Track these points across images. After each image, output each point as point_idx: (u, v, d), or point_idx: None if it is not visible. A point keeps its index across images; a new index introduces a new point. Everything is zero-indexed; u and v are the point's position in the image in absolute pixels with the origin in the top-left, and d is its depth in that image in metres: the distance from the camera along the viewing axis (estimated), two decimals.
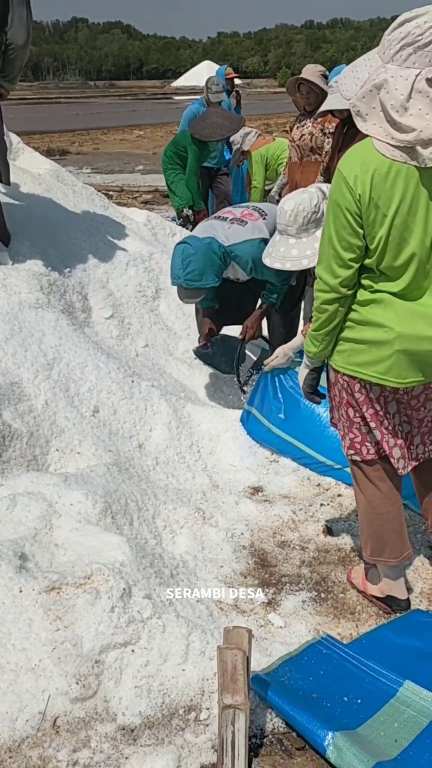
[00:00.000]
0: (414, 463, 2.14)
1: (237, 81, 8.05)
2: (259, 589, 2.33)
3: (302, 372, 2.20)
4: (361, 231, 1.82)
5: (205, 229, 3.36)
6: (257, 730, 1.83)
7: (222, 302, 3.60)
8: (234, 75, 7.59)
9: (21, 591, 1.93)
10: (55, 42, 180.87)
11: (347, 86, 1.82)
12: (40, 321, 3.14)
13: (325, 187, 2.87)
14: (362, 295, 1.92)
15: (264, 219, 3.31)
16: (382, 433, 2.06)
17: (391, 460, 2.09)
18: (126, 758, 1.73)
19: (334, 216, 1.84)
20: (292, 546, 2.59)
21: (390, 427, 2.06)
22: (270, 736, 1.82)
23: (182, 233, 5.37)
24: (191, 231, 5.78)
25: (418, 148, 1.71)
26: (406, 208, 1.77)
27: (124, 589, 1.97)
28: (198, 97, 6.84)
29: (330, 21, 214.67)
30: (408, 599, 2.26)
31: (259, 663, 2.00)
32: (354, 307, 1.95)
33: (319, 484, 2.95)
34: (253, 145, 6.19)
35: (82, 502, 2.36)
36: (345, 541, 2.61)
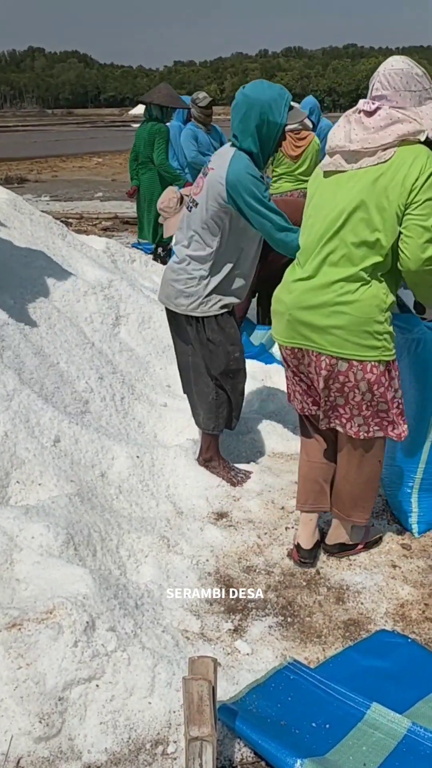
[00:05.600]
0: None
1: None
2: (225, 617, 2.32)
3: None
4: None
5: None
6: (226, 761, 1.80)
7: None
8: None
9: None
10: (11, 71, 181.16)
11: None
12: None
13: None
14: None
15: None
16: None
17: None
18: None
19: None
20: (257, 571, 2.58)
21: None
22: (239, 767, 1.80)
23: (141, 259, 5.40)
24: None
25: None
26: None
27: (87, 623, 1.94)
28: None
29: (284, 50, 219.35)
30: (309, 551, 2.58)
31: (227, 692, 1.98)
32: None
33: (283, 507, 2.96)
34: None
35: (44, 534, 2.32)
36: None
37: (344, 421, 2.36)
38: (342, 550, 2.63)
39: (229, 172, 2.67)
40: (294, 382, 2.48)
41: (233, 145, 2.77)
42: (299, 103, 7.62)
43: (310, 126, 6.17)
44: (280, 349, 2.45)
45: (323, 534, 2.71)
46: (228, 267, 2.89)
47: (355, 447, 2.42)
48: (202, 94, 6.42)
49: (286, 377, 2.53)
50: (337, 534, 2.62)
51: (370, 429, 2.34)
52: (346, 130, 2.19)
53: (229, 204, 2.71)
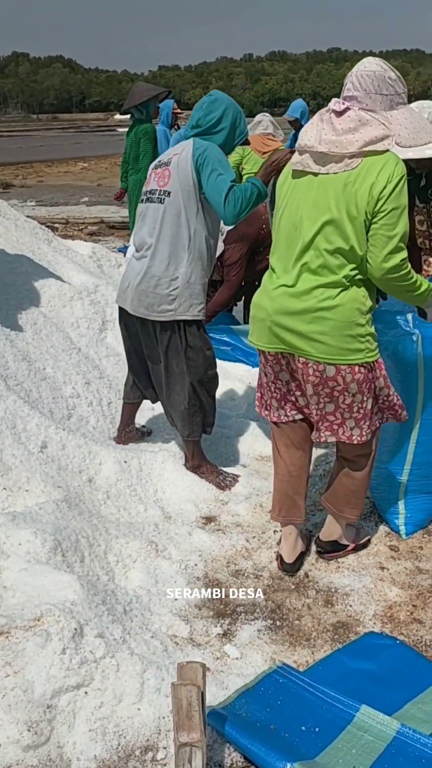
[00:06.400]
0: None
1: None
2: (214, 621, 2.31)
3: None
4: None
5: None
6: (215, 766, 1.80)
7: None
8: (179, 111, 7.83)
9: None
10: None
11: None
12: None
13: None
14: None
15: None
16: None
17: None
18: None
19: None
20: (246, 574, 2.58)
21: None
22: None
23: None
24: None
25: None
26: None
27: (75, 629, 1.93)
28: None
29: (268, 54, 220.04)
30: (291, 564, 2.55)
31: (216, 697, 1.98)
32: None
33: (271, 511, 2.95)
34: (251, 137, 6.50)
35: (31, 541, 2.31)
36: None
37: (336, 427, 2.36)
38: (334, 549, 2.63)
39: (196, 147, 2.77)
40: (271, 390, 2.45)
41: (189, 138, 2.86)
42: (288, 106, 7.69)
43: (281, 136, 6.60)
44: (259, 355, 2.44)
45: (310, 537, 2.72)
46: (200, 263, 2.88)
47: (351, 446, 2.43)
48: None
49: (261, 386, 2.51)
50: (332, 530, 2.62)
51: (363, 432, 2.35)
52: (317, 129, 2.18)
53: (194, 177, 2.76)
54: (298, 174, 2.25)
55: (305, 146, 2.19)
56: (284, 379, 2.39)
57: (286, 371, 2.36)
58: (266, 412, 2.53)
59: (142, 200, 2.98)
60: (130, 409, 3.33)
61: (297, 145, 2.24)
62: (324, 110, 2.22)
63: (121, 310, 3.07)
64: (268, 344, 2.33)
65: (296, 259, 2.22)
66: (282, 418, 2.48)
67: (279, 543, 2.66)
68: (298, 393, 2.39)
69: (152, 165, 2.97)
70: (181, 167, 2.78)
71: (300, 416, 2.46)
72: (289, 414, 2.46)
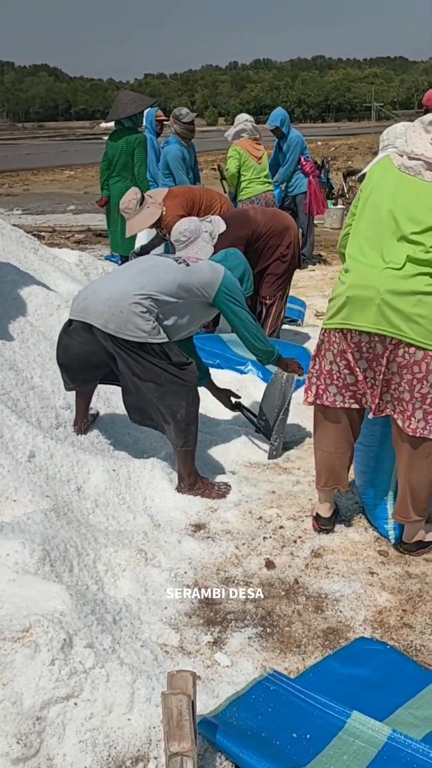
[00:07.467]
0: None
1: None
2: (204, 629, 2.31)
3: None
4: None
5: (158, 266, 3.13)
6: None
7: None
8: (163, 117, 7.83)
9: None
10: None
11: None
12: None
13: None
14: None
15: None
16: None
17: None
18: None
19: None
20: (236, 582, 2.57)
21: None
22: None
23: None
24: None
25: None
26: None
27: (64, 640, 1.92)
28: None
29: (253, 62, 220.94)
30: (328, 518, 2.81)
31: (207, 705, 1.97)
32: None
33: (260, 518, 2.96)
34: (239, 142, 6.69)
35: (19, 551, 2.29)
36: (288, 573, 2.61)
37: (406, 416, 2.42)
38: (419, 548, 2.71)
39: (229, 276, 3.14)
40: (335, 377, 2.52)
41: None
42: (269, 114, 7.74)
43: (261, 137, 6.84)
44: (336, 341, 2.47)
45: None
46: (170, 324, 3.04)
47: (415, 449, 2.47)
48: (184, 110, 6.48)
49: (323, 372, 2.55)
50: (414, 532, 2.69)
51: (428, 427, 2.40)
52: (424, 140, 2.33)
53: (217, 293, 3.09)
54: (404, 173, 2.37)
55: (417, 154, 2.34)
56: (361, 365, 2.44)
57: (367, 355, 2.42)
58: (313, 397, 2.62)
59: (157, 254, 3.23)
60: (83, 397, 3.34)
61: (410, 150, 2.36)
62: (426, 120, 2.36)
63: (76, 325, 3.08)
64: (373, 324, 2.36)
65: (397, 247, 2.33)
66: (337, 403, 2.56)
67: (313, 506, 2.89)
68: (369, 375, 2.44)
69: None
70: (213, 275, 3.11)
71: (356, 405, 2.54)
72: (347, 401, 2.54)
